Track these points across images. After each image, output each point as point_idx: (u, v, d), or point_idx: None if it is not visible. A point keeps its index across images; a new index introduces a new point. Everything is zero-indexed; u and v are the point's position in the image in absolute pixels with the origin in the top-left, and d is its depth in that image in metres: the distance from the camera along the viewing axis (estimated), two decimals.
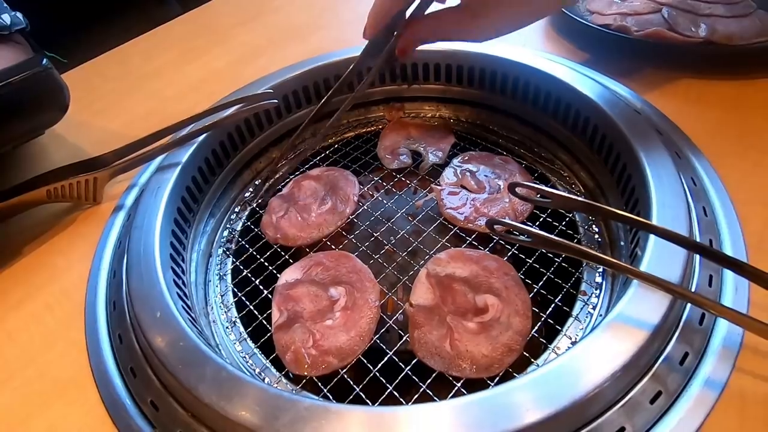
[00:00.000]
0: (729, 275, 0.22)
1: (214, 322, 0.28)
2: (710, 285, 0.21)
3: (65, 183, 0.30)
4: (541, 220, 0.30)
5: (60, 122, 0.33)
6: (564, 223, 0.30)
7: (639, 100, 0.33)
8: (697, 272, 0.21)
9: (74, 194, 0.31)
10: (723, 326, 0.20)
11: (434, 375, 0.23)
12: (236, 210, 0.36)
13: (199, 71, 0.45)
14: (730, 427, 0.18)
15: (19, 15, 0.37)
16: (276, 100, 0.34)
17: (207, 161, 0.34)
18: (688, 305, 0.20)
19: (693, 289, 0.21)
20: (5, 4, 0.35)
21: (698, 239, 0.23)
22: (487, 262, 0.29)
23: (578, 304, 0.26)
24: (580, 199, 0.22)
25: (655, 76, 0.35)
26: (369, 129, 0.41)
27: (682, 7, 0.38)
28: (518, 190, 0.23)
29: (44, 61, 0.29)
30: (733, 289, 0.22)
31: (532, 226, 0.23)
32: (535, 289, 0.27)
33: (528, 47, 0.40)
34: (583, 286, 0.26)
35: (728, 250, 0.23)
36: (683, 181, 0.25)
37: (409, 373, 0.24)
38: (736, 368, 0.19)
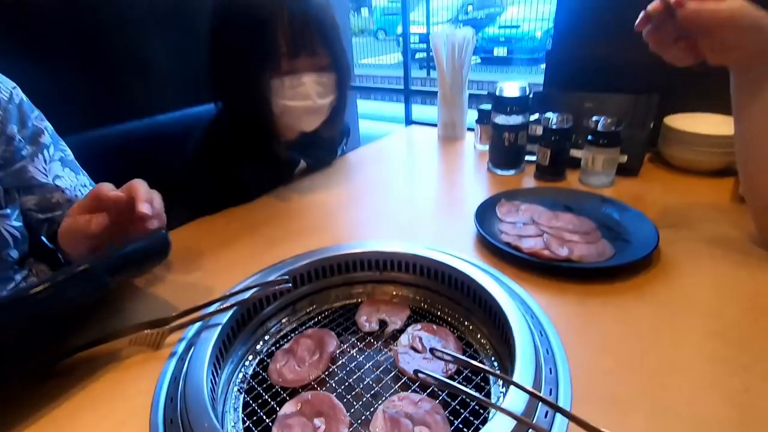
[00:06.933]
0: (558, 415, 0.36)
1: None
2: (545, 417, 0.35)
3: (143, 333, 0.44)
4: (463, 374, 0.45)
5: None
6: (480, 377, 0.44)
7: (525, 293, 0.51)
8: (539, 410, 0.35)
9: (145, 342, 0.45)
10: None
11: None
12: (249, 358, 0.50)
13: (232, 254, 0.63)
14: None
15: None
16: (290, 284, 0.50)
17: (237, 322, 0.49)
18: (530, 430, 0.34)
19: (534, 421, 0.34)
20: None
21: (543, 388, 0.37)
22: (424, 403, 0.42)
23: None
24: (470, 361, 0.37)
25: (538, 278, 0.54)
26: (351, 302, 0.57)
27: (555, 234, 0.59)
28: (436, 353, 0.38)
29: (165, 232, 0.47)
30: (560, 423, 0.35)
31: (439, 376, 0.38)
32: (455, 424, 0.39)
33: (464, 254, 0.59)
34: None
35: (561, 398, 0.37)
36: (541, 351, 0.41)
37: None
38: None
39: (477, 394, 0.35)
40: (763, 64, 0.50)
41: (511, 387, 0.36)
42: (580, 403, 0.37)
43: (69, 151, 0.71)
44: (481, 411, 0.41)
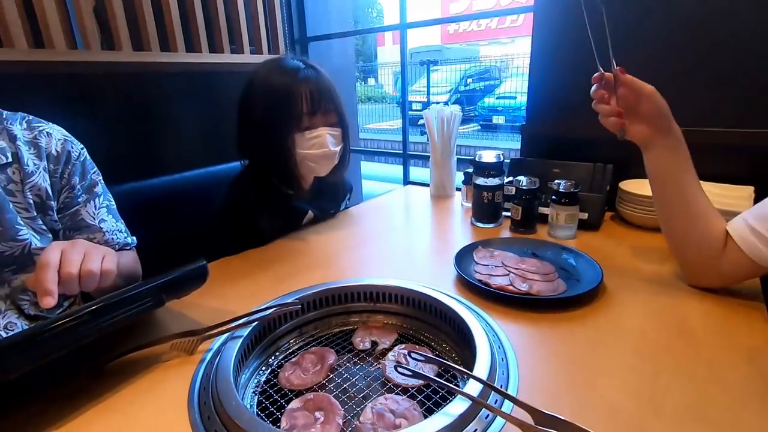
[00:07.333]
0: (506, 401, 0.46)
1: None
2: (495, 403, 0.45)
3: (181, 340, 0.56)
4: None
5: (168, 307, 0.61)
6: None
7: (491, 319, 0.62)
8: (491, 396, 0.46)
9: (182, 348, 0.56)
10: (499, 422, 0.44)
11: None
12: (263, 369, 0.60)
13: (250, 285, 0.75)
14: None
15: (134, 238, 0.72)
16: (299, 306, 0.62)
17: (255, 336, 0.60)
18: (483, 409, 0.44)
19: (488, 402, 0.45)
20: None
21: (496, 381, 0.48)
22: (404, 402, 0.52)
23: None
24: (438, 359, 0.48)
25: (503, 308, 0.65)
26: (348, 327, 0.68)
27: (519, 274, 0.71)
28: (413, 354, 0.49)
29: (205, 262, 0.59)
30: (507, 406, 0.45)
31: (414, 368, 0.49)
32: (428, 417, 0.49)
33: (445, 289, 0.71)
34: None
35: (509, 390, 0.48)
36: (497, 358, 0.51)
37: None
38: None
39: (440, 380, 0.45)
40: (660, 144, 0.66)
41: (471, 380, 0.46)
42: (523, 396, 0.47)
43: (113, 202, 0.85)
44: None
